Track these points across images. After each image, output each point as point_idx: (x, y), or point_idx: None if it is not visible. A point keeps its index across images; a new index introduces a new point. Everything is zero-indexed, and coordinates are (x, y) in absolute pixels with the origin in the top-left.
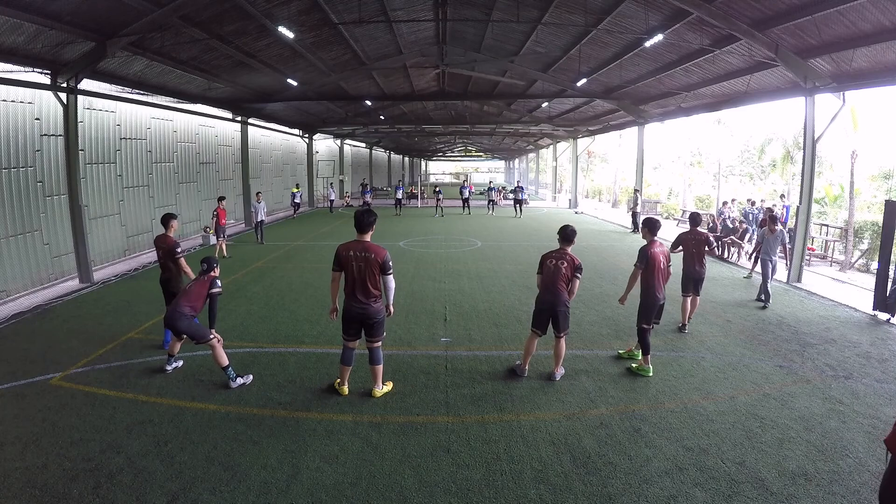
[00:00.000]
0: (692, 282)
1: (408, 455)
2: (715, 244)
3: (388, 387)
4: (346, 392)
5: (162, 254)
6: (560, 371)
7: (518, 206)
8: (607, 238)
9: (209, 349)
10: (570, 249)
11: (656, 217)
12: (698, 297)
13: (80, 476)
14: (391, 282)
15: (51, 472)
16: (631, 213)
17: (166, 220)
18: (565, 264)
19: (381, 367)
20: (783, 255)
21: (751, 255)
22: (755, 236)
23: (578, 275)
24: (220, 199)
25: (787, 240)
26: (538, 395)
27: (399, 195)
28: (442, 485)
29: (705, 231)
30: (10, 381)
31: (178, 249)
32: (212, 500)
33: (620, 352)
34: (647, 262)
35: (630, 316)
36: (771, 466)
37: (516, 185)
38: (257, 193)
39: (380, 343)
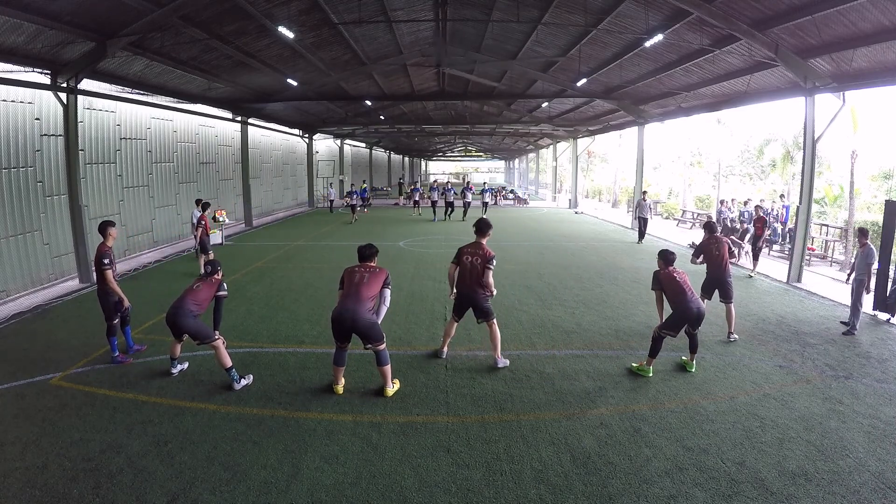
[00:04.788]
0: (714, 285)
1: (408, 455)
2: (735, 249)
3: (398, 385)
4: (342, 391)
5: (94, 263)
6: (501, 360)
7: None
8: (607, 238)
9: (212, 350)
10: (485, 242)
11: (672, 251)
12: (732, 304)
13: (80, 476)
14: (387, 294)
15: (51, 472)
16: (637, 219)
17: (103, 227)
18: (479, 260)
19: (388, 368)
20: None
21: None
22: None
23: (489, 266)
24: (205, 205)
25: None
26: (538, 395)
27: (417, 196)
28: (442, 485)
29: (724, 237)
30: (10, 381)
31: (106, 260)
32: (212, 500)
33: (633, 365)
34: (660, 283)
35: (630, 316)
36: (771, 466)
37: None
38: (197, 201)
39: (383, 345)
